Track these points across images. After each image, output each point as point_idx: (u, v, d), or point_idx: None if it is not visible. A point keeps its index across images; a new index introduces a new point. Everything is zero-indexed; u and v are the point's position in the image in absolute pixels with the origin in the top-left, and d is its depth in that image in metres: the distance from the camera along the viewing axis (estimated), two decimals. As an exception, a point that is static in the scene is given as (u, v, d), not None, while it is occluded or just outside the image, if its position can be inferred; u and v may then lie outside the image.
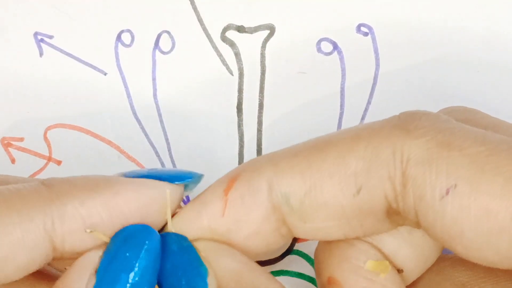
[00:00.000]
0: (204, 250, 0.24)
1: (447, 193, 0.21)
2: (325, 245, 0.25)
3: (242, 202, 0.24)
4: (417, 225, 0.23)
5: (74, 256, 0.25)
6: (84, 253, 0.25)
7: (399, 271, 0.25)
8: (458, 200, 0.21)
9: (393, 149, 0.22)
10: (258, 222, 0.24)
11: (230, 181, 0.24)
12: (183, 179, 0.26)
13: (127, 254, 0.24)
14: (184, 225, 0.25)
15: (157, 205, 0.25)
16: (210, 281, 0.23)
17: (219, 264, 0.23)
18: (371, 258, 0.24)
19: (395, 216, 0.23)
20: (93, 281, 0.24)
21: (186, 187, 0.26)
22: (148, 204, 0.25)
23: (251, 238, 0.24)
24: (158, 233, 0.25)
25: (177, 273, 0.24)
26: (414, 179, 0.22)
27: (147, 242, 0.24)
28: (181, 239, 0.24)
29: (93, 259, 0.24)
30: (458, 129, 0.22)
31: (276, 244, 0.25)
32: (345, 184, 0.23)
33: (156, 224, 0.25)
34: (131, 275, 0.24)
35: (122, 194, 0.24)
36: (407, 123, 0.23)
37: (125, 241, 0.25)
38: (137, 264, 0.24)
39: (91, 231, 0.25)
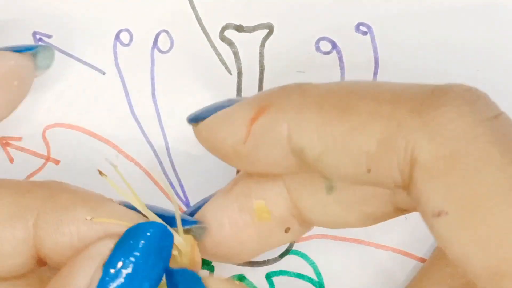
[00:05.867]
0: None
1: (439, 215, 0.21)
2: None
3: (263, 138, 0.24)
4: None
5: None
6: (92, 244, 0.24)
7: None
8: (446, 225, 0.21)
9: (405, 142, 0.21)
10: (277, 158, 0.24)
11: (258, 111, 0.24)
12: (30, 49, 0.28)
13: (137, 253, 0.23)
14: (209, 135, 0.25)
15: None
16: None
17: None
18: None
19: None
20: (99, 274, 0.23)
21: (37, 59, 0.28)
22: None
23: (268, 168, 0.25)
24: (172, 233, 0.25)
25: None
26: (415, 184, 0.21)
27: (157, 239, 0.24)
28: (194, 278, 0.24)
29: (102, 250, 0.23)
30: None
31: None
32: (357, 161, 0.23)
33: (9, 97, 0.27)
34: (137, 271, 0.23)
35: None
36: (429, 111, 0.21)
37: (136, 237, 0.24)
38: (141, 260, 0.23)
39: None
